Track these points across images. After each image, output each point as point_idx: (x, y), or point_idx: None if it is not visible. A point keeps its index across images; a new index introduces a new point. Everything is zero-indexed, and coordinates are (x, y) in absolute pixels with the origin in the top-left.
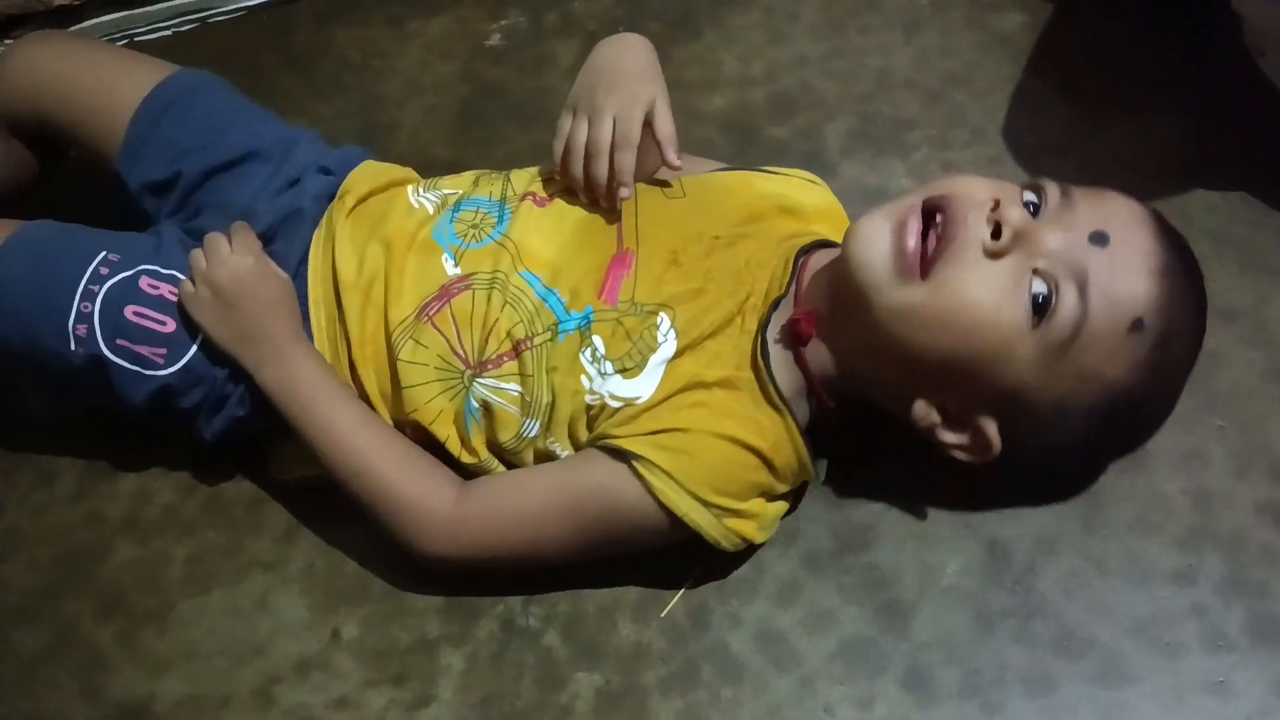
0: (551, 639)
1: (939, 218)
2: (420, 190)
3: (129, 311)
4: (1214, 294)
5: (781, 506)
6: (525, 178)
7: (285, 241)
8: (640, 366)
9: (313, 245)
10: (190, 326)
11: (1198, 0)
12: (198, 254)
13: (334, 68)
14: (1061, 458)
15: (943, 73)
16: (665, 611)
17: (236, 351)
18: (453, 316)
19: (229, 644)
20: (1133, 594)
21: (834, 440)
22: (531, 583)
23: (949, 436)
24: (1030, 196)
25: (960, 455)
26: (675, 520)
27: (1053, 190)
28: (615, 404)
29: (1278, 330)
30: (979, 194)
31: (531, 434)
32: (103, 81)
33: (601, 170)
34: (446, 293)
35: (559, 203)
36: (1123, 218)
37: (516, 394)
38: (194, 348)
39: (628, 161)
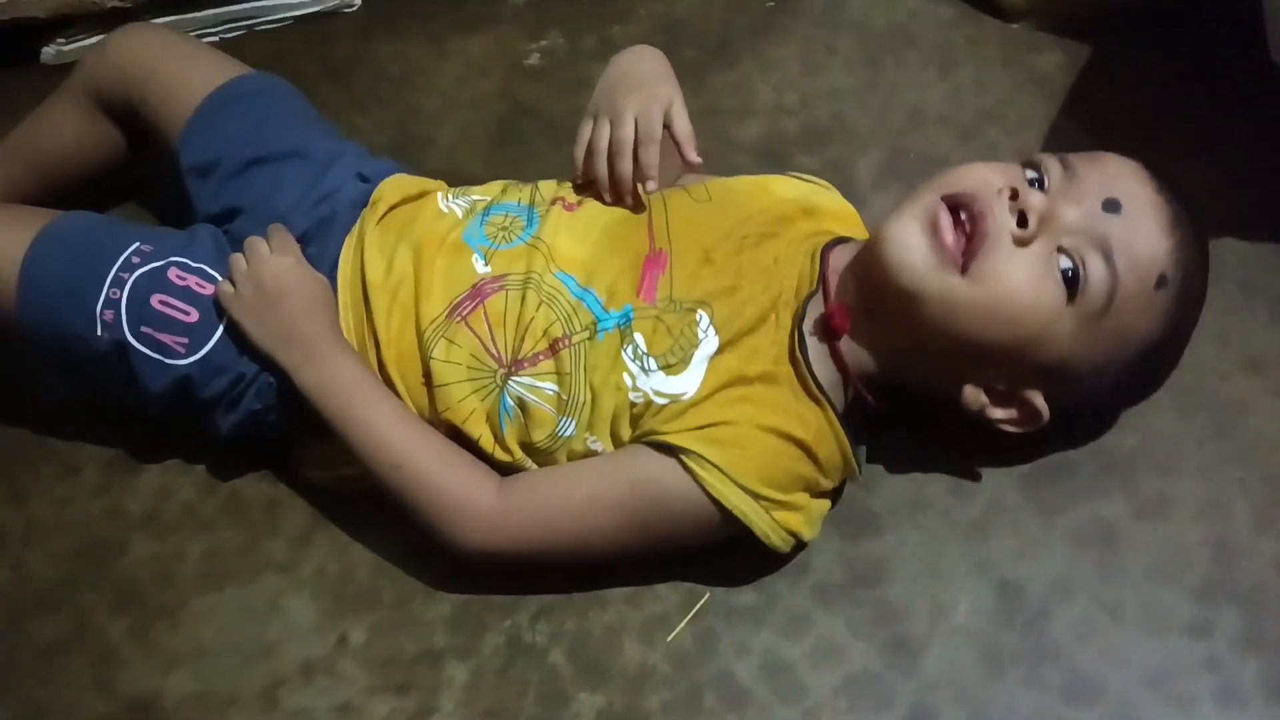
0: (557, 657)
1: (963, 214)
2: (449, 197)
3: (155, 300)
4: (1243, 344)
5: (825, 504)
6: (552, 186)
7: (318, 246)
8: (684, 362)
9: (343, 250)
10: (212, 319)
11: (1237, 51)
12: (238, 257)
13: (373, 81)
14: (1096, 409)
15: (977, 110)
16: (672, 636)
17: (276, 351)
18: (486, 316)
19: (239, 643)
20: (1146, 643)
21: (870, 426)
22: (540, 600)
23: (999, 414)
24: (1032, 174)
25: (1011, 428)
26: (724, 514)
27: (1053, 164)
28: (661, 400)
29: None
30: (994, 182)
31: (567, 433)
32: (184, 70)
33: (627, 167)
34: (479, 292)
35: (588, 207)
36: (1126, 179)
37: (553, 393)
38: (215, 339)
39: (652, 155)
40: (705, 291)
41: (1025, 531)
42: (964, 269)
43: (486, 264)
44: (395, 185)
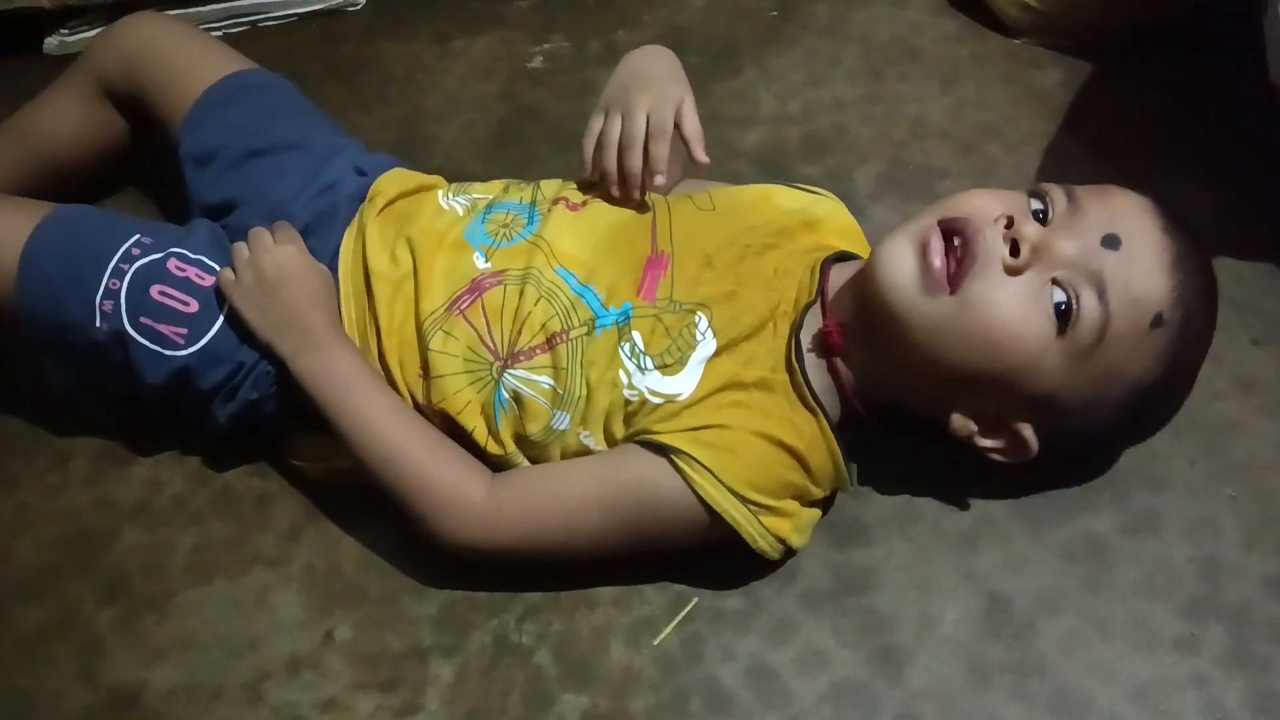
0: (543, 657)
1: (956, 240)
2: (450, 195)
3: (154, 291)
4: (1235, 363)
5: (816, 513)
6: (555, 185)
7: (318, 239)
8: (681, 363)
9: (344, 241)
10: (212, 310)
11: (1237, 72)
12: (241, 245)
13: (378, 80)
14: (1092, 446)
15: (977, 124)
16: (659, 639)
17: (274, 339)
18: (484, 309)
19: (225, 636)
20: (1133, 658)
21: (863, 440)
22: (527, 600)
23: (987, 442)
24: (1037, 205)
25: (999, 458)
26: (713, 516)
27: (1059, 195)
28: (656, 400)
29: None
30: (991, 210)
31: (561, 427)
32: (189, 59)
33: (637, 161)
34: (478, 286)
35: (591, 208)
36: (1130, 215)
37: (548, 386)
38: (214, 330)
39: (663, 150)
40: (705, 295)
41: (1014, 545)
42: (953, 289)
43: (487, 260)
44: (394, 179)
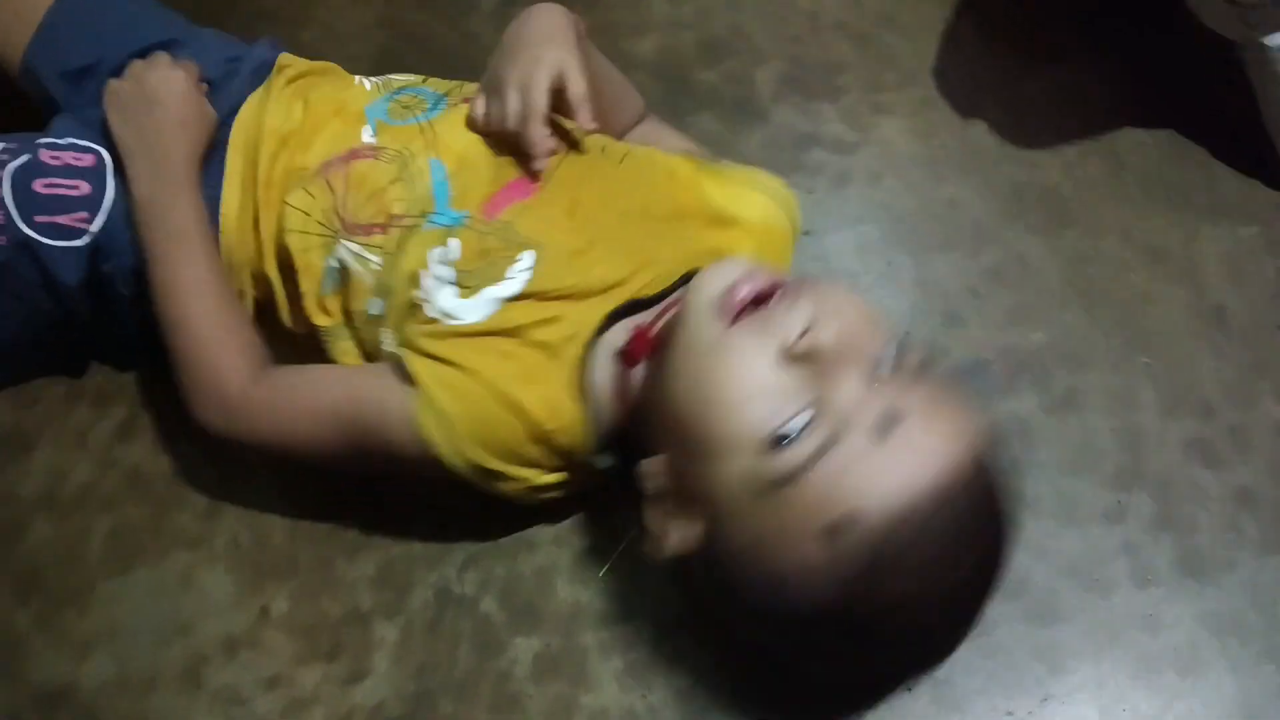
0: (488, 605)
1: (774, 299)
2: (366, 78)
3: (38, 185)
4: (1142, 233)
5: (559, 476)
6: (473, 90)
7: (219, 94)
8: (475, 290)
9: (248, 100)
10: (102, 182)
11: None
12: (137, 62)
13: (248, 18)
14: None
15: (873, 15)
16: (603, 571)
17: (129, 156)
18: (348, 178)
19: (154, 623)
20: (1065, 534)
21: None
22: (465, 548)
23: (653, 507)
24: (891, 351)
25: (652, 528)
26: (437, 459)
27: (918, 356)
28: (432, 313)
29: (1204, 268)
30: (826, 304)
31: (375, 312)
32: None
33: (512, 134)
34: (353, 154)
35: None
36: (939, 438)
37: (378, 266)
38: (110, 199)
39: (535, 133)
40: (548, 238)
41: None
42: (730, 323)
43: (374, 135)
44: (296, 60)
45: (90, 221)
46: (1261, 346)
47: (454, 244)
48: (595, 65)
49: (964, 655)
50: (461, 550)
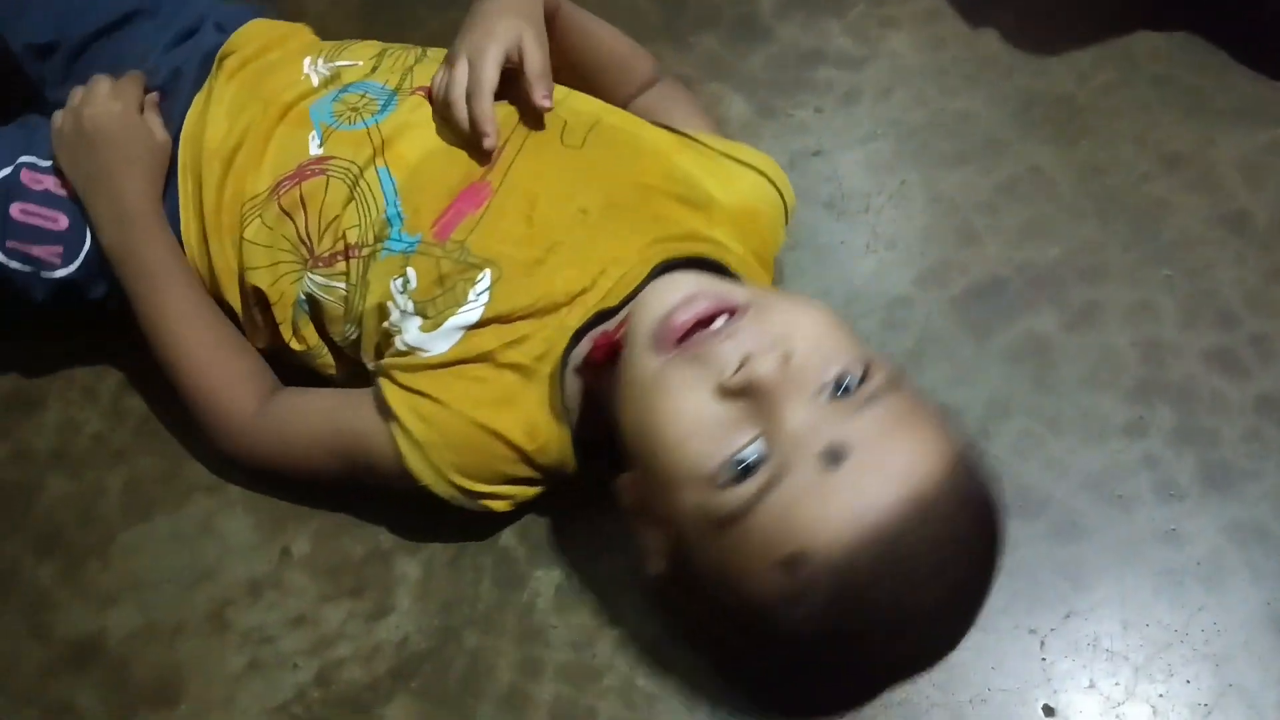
0: (508, 539)
1: (718, 322)
2: (317, 62)
3: (15, 210)
4: (1159, 141)
5: (536, 490)
6: (431, 69)
7: (171, 100)
8: (438, 322)
9: (191, 107)
10: (81, 221)
11: None
12: (76, 89)
13: None
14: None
15: None
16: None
17: (84, 198)
18: (302, 200)
19: (176, 571)
20: (1085, 450)
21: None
22: None
23: (634, 522)
24: (856, 373)
25: (640, 542)
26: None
27: (880, 377)
28: (402, 346)
29: (1223, 174)
30: (769, 331)
31: (353, 337)
32: None
33: (461, 116)
34: (301, 173)
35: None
36: (898, 463)
37: (344, 293)
38: (88, 243)
39: (481, 108)
40: (503, 252)
41: (960, 356)
42: (669, 352)
43: (321, 144)
44: (252, 33)
45: (64, 261)
46: None
47: (411, 273)
48: (583, 33)
49: None
50: None
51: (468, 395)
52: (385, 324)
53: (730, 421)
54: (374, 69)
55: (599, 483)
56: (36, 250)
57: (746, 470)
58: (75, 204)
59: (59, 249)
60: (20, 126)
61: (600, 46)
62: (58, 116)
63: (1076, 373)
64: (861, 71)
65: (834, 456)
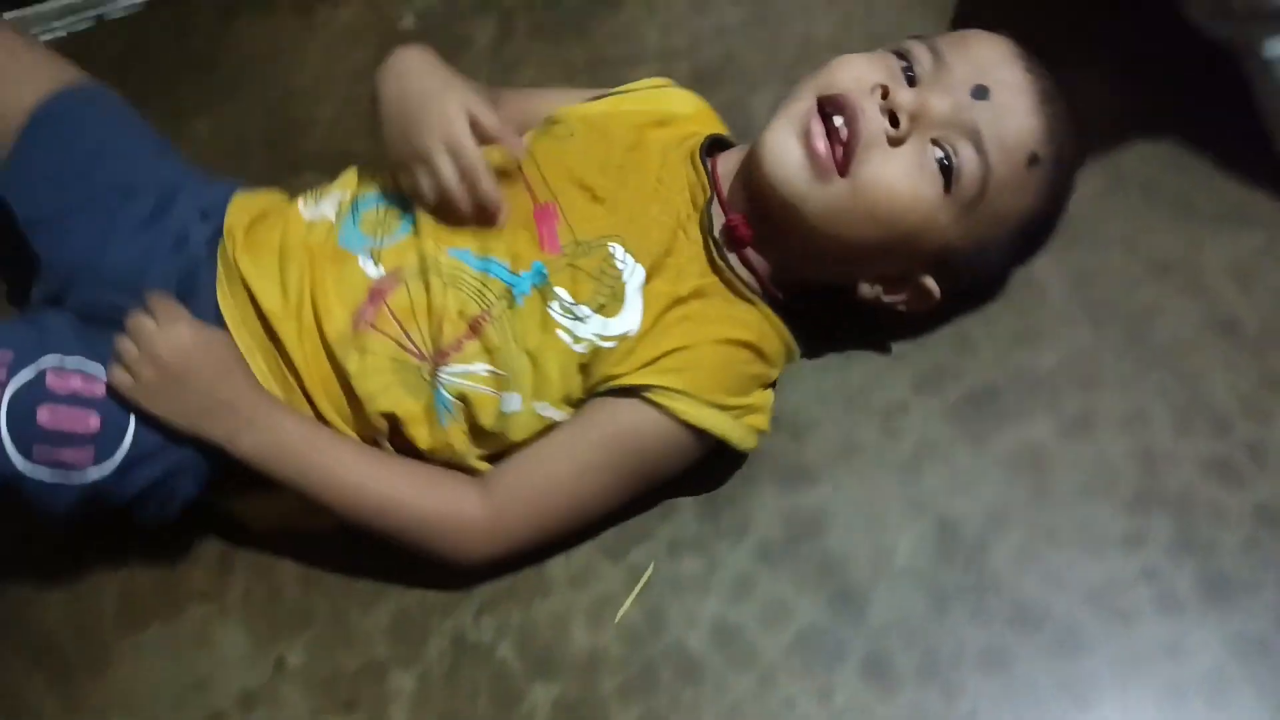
0: (505, 651)
1: (837, 119)
2: (309, 203)
3: (43, 415)
4: (1148, 246)
5: (772, 393)
6: None
7: (192, 303)
8: (618, 299)
9: (219, 292)
10: (117, 418)
11: None
12: (125, 341)
13: (240, 63)
14: (987, 281)
15: (866, 35)
16: (619, 615)
17: (201, 429)
18: (393, 315)
19: (170, 682)
20: (1084, 562)
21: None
22: (481, 594)
23: (893, 298)
24: (903, 64)
25: (906, 309)
26: (698, 435)
27: (922, 52)
28: (609, 344)
29: (1213, 279)
30: (866, 79)
31: (513, 409)
32: (4, 78)
33: (467, 208)
34: (378, 293)
35: None
36: (993, 61)
37: (487, 373)
38: (127, 441)
39: (487, 188)
40: (606, 226)
41: (957, 464)
42: (843, 172)
43: (376, 264)
44: (240, 209)
45: (96, 462)
46: (1275, 357)
47: (560, 292)
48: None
49: (987, 693)
50: (476, 596)
51: (689, 330)
52: (575, 349)
53: (919, 153)
54: (360, 184)
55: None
56: (65, 454)
57: (950, 164)
58: (107, 405)
59: (89, 450)
60: (30, 325)
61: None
62: (121, 374)
63: (1073, 482)
64: None
65: (981, 93)
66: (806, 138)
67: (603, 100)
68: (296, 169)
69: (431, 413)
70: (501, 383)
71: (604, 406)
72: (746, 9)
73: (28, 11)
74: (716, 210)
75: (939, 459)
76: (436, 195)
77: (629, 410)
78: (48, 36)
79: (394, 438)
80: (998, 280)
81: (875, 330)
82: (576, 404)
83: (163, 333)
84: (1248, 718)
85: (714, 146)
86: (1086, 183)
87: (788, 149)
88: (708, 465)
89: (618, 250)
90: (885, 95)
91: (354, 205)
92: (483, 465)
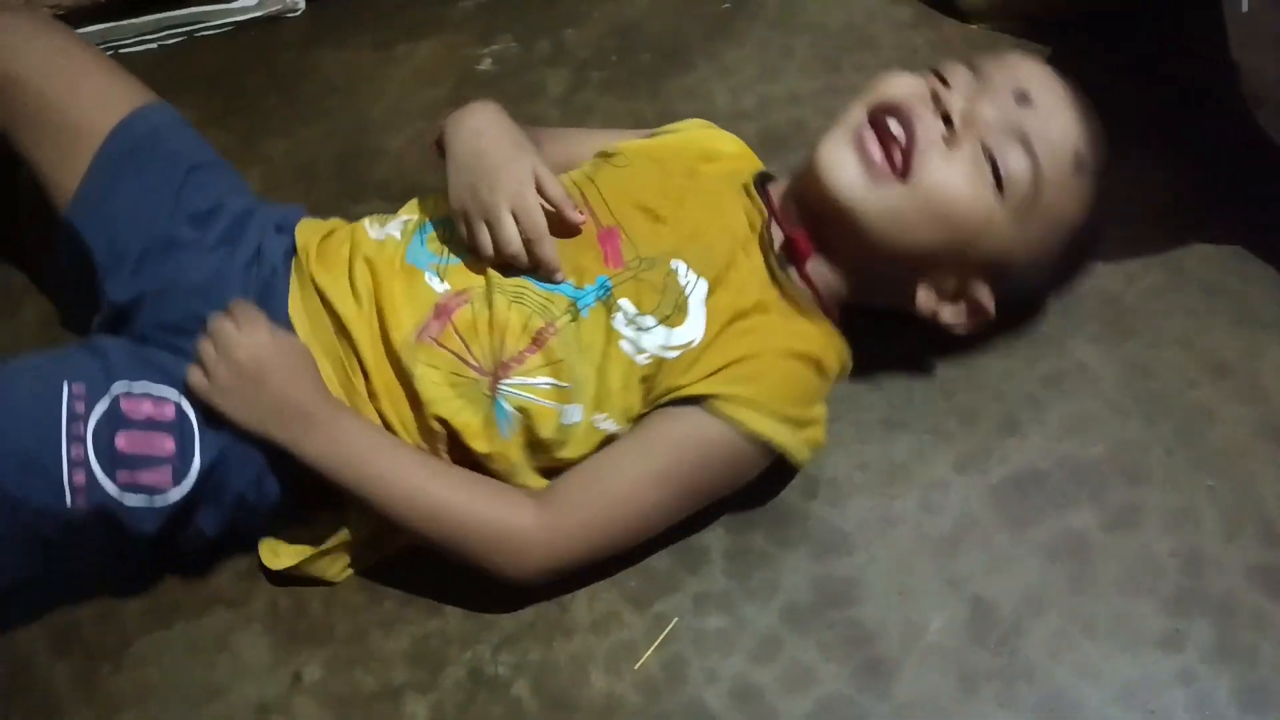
0: (521, 689)
1: (892, 122)
2: (374, 225)
3: (121, 441)
4: (1206, 348)
5: (825, 408)
6: None
7: (267, 311)
8: (682, 310)
9: (290, 303)
10: (188, 439)
11: (1195, 48)
12: (206, 343)
13: (319, 90)
14: (1032, 297)
15: None
16: (640, 663)
17: (269, 430)
18: (457, 332)
19: (186, 684)
20: (1120, 658)
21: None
22: (502, 629)
23: (950, 314)
24: (943, 81)
25: (962, 330)
26: (761, 447)
27: (960, 70)
28: (672, 354)
29: (1270, 386)
30: (918, 89)
31: (574, 420)
32: (64, 97)
33: (525, 264)
34: (444, 310)
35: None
36: (1031, 72)
37: (549, 386)
38: (197, 460)
39: (547, 252)
40: (669, 243)
41: (996, 545)
42: (904, 174)
43: (443, 281)
44: (309, 229)
45: (176, 482)
46: None
47: (624, 303)
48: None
49: None
50: (497, 630)
51: (753, 342)
52: (639, 361)
53: (973, 155)
54: (426, 211)
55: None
56: (146, 477)
57: (1003, 168)
58: (178, 427)
59: (168, 470)
60: (92, 354)
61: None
62: (198, 375)
63: (1114, 575)
64: None
65: (1024, 98)
66: (860, 145)
67: (651, 138)
68: (361, 195)
69: (491, 425)
70: (563, 395)
71: (665, 417)
72: (818, 79)
73: (124, 23)
74: (775, 230)
75: (978, 539)
76: (494, 252)
77: (691, 420)
78: (140, 48)
79: (453, 450)
80: (1043, 297)
81: (925, 352)
82: (636, 419)
83: (243, 338)
84: None
85: (763, 180)
86: (1146, 276)
87: (843, 158)
88: (745, 514)
89: (680, 266)
90: (935, 100)
91: (421, 228)
92: (538, 481)
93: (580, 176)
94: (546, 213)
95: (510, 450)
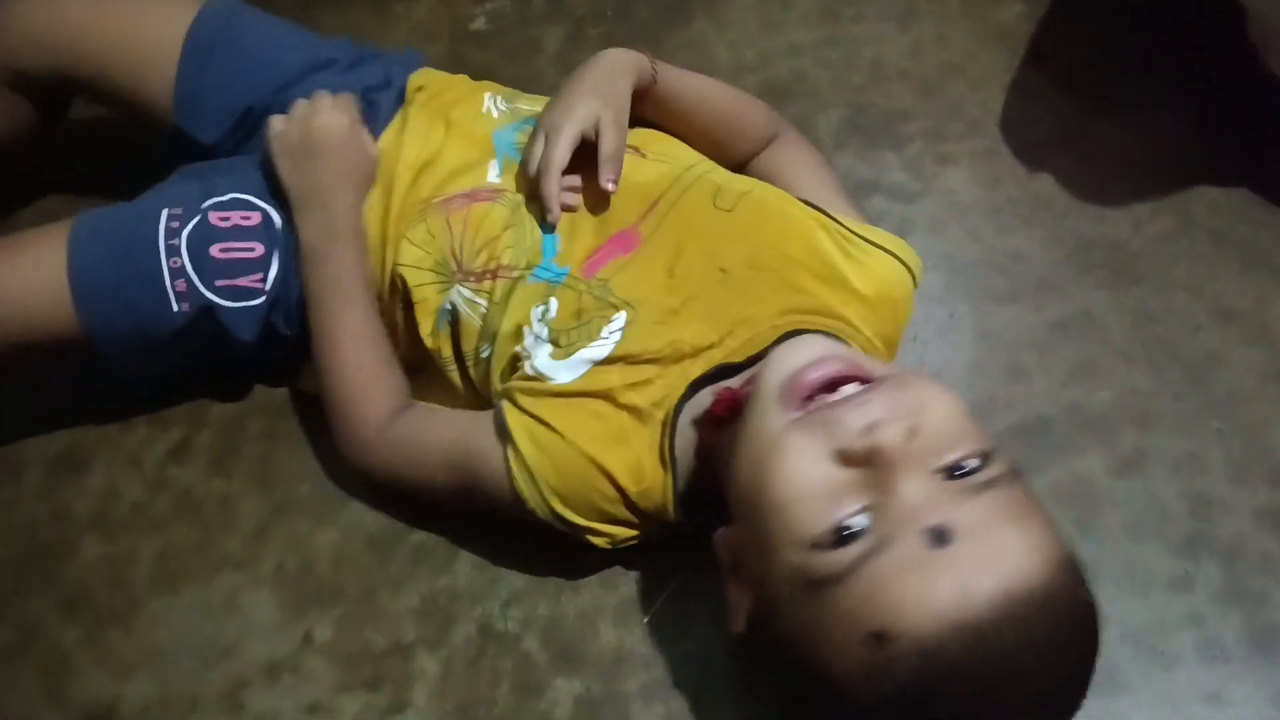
0: (530, 644)
1: (848, 388)
2: (496, 99)
3: (215, 250)
4: (1214, 293)
5: (632, 533)
6: None
7: (371, 121)
8: (569, 352)
9: (388, 130)
10: (272, 242)
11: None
12: (301, 100)
13: None
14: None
15: (938, 63)
16: (647, 616)
17: (296, 202)
18: (466, 219)
19: (198, 645)
20: (1128, 601)
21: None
22: (510, 585)
23: (727, 583)
24: (976, 460)
25: (729, 599)
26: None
27: (999, 468)
28: (531, 371)
29: (1278, 330)
30: (902, 401)
31: (485, 355)
32: (129, 26)
33: (544, 188)
34: (474, 195)
35: (629, 155)
36: (1005, 554)
37: (484, 311)
38: (278, 260)
39: (545, 187)
40: (643, 297)
41: None
42: (795, 412)
43: (499, 174)
44: (431, 75)
45: (265, 281)
46: None
47: (553, 303)
48: (684, 98)
49: None
50: (506, 586)
51: (584, 428)
52: (517, 348)
53: (843, 487)
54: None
55: (694, 534)
56: (241, 281)
57: (849, 537)
58: (265, 231)
59: (259, 274)
60: (186, 178)
61: (705, 107)
62: (278, 121)
63: (1121, 520)
64: (915, 205)
65: (940, 537)
66: (816, 363)
67: (817, 215)
68: None
69: (435, 315)
70: (485, 331)
71: (486, 423)
72: (818, 31)
73: None
74: (732, 382)
75: None
76: (524, 168)
77: (493, 443)
78: None
79: (408, 328)
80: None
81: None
82: (503, 394)
83: (329, 112)
84: None
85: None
86: (1154, 222)
87: (800, 353)
88: None
89: (619, 319)
90: (913, 433)
91: (525, 119)
92: (463, 387)
93: (677, 185)
94: (588, 168)
95: (443, 346)
